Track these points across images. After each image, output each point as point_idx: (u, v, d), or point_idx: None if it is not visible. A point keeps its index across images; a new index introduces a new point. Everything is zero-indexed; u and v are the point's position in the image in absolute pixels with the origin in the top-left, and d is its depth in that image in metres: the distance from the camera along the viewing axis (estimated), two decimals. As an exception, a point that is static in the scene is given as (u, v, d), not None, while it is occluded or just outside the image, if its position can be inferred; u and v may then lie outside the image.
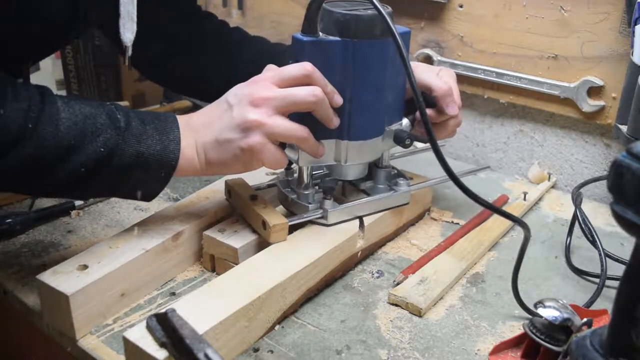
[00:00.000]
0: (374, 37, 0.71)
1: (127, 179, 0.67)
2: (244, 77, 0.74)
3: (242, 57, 0.98)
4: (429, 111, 0.80)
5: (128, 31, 0.81)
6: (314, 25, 0.70)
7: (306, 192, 0.78)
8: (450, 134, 0.85)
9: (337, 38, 0.71)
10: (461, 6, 1.03)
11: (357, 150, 0.76)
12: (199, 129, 0.70)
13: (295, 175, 0.81)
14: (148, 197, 0.71)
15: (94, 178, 0.65)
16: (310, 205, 0.77)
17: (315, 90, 0.69)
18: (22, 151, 0.61)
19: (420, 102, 0.65)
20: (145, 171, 0.67)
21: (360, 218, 0.79)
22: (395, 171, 0.86)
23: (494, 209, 0.67)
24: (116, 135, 0.65)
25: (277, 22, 1.25)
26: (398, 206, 0.83)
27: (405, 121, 0.81)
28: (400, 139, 0.78)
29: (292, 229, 0.75)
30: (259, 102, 0.67)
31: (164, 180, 0.69)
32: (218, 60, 0.99)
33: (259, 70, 0.73)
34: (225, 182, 0.82)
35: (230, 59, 0.99)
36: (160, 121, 0.69)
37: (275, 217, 0.73)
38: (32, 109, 0.61)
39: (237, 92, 0.70)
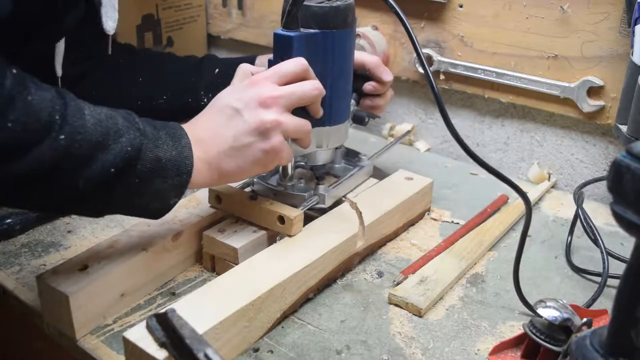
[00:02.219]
0: (347, 26, 0.76)
1: (146, 188, 0.62)
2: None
3: (161, 72, 1.00)
4: (371, 85, 0.89)
5: (110, 19, 0.81)
6: (296, 21, 0.71)
7: (291, 183, 0.81)
8: (387, 104, 0.94)
9: (317, 30, 0.73)
10: (461, 6, 1.03)
11: (336, 134, 0.81)
12: (206, 140, 0.67)
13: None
14: (163, 210, 0.66)
15: (120, 183, 0.60)
16: (305, 194, 0.80)
17: (316, 84, 0.70)
18: (54, 143, 0.55)
19: (426, 67, 0.67)
20: (163, 178, 0.63)
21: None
22: (345, 150, 0.91)
23: (492, 170, 0.68)
24: (140, 135, 0.61)
25: (277, 22, 1.24)
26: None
27: (352, 101, 0.87)
28: (360, 119, 0.87)
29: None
30: (269, 102, 0.67)
31: (180, 189, 0.65)
32: (134, 78, 0.99)
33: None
34: (210, 190, 0.79)
35: (149, 76, 1.00)
36: (169, 127, 0.66)
37: (290, 210, 0.74)
38: (56, 102, 0.57)
39: (240, 96, 0.68)
